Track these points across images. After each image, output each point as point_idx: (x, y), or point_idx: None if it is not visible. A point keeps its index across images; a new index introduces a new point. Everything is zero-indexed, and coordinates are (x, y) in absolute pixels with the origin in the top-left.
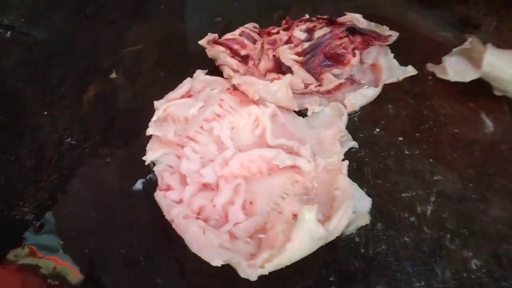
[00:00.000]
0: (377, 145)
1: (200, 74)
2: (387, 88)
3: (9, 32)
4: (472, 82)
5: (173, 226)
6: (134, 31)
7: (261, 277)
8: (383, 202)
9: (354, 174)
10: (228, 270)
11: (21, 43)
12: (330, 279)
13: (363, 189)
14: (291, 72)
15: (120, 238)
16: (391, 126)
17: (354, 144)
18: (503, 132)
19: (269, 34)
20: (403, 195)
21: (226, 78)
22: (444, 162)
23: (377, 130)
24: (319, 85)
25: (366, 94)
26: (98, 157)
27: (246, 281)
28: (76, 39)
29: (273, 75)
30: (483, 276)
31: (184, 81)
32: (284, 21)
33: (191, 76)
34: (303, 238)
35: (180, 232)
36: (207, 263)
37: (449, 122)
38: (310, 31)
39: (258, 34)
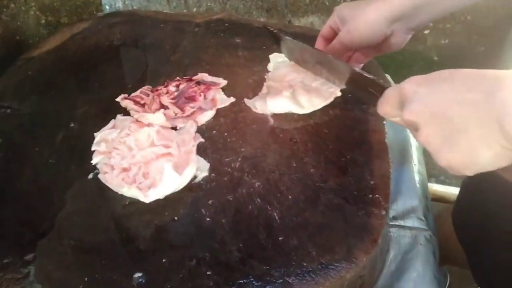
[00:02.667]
0: (214, 138)
1: (119, 116)
2: (221, 110)
3: (9, 110)
4: None
5: (106, 184)
6: (81, 100)
7: (158, 204)
8: (215, 164)
9: (202, 153)
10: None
11: (16, 115)
12: (188, 200)
13: (206, 160)
14: (168, 108)
15: (81, 200)
16: (222, 128)
17: (202, 140)
18: (279, 123)
19: (157, 90)
20: (225, 159)
21: (132, 116)
22: (246, 141)
23: (214, 131)
24: (183, 113)
25: (207, 114)
26: (68, 166)
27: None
28: (47, 109)
29: (158, 111)
30: (261, 190)
31: (110, 121)
32: (166, 83)
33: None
34: (167, 177)
35: (109, 185)
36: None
37: (250, 122)
38: (177, 86)
39: (151, 91)
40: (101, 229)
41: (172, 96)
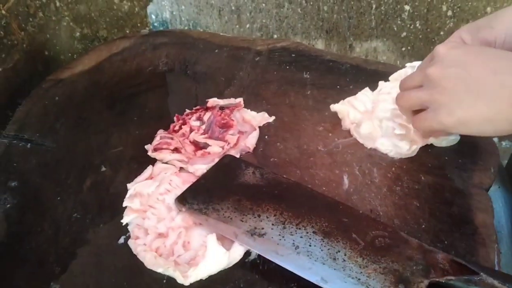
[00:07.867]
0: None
1: (158, 163)
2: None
3: (29, 144)
4: None
5: (138, 257)
6: (116, 137)
7: (202, 285)
8: None
9: None
10: None
11: (37, 151)
12: (239, 285)
13: None
14: (208, 146)
15: (110, 272)
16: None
17: None
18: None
19: (175, 132)
20: None
21: (174, 165)
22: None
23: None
24: (228, 144)
25: (253, 135)
26: (95, 224)
27: None
28: (75, 146)
29: (200, 152)
30: None
31: (147, 168)
32: (176, 119)
33: (153, 165)
34: (211, 256)
35: (142, 260)
36: None
37: (320, 182)
38: (199, 118)
39: (169, 135)
40: None
41: (201, 131)
